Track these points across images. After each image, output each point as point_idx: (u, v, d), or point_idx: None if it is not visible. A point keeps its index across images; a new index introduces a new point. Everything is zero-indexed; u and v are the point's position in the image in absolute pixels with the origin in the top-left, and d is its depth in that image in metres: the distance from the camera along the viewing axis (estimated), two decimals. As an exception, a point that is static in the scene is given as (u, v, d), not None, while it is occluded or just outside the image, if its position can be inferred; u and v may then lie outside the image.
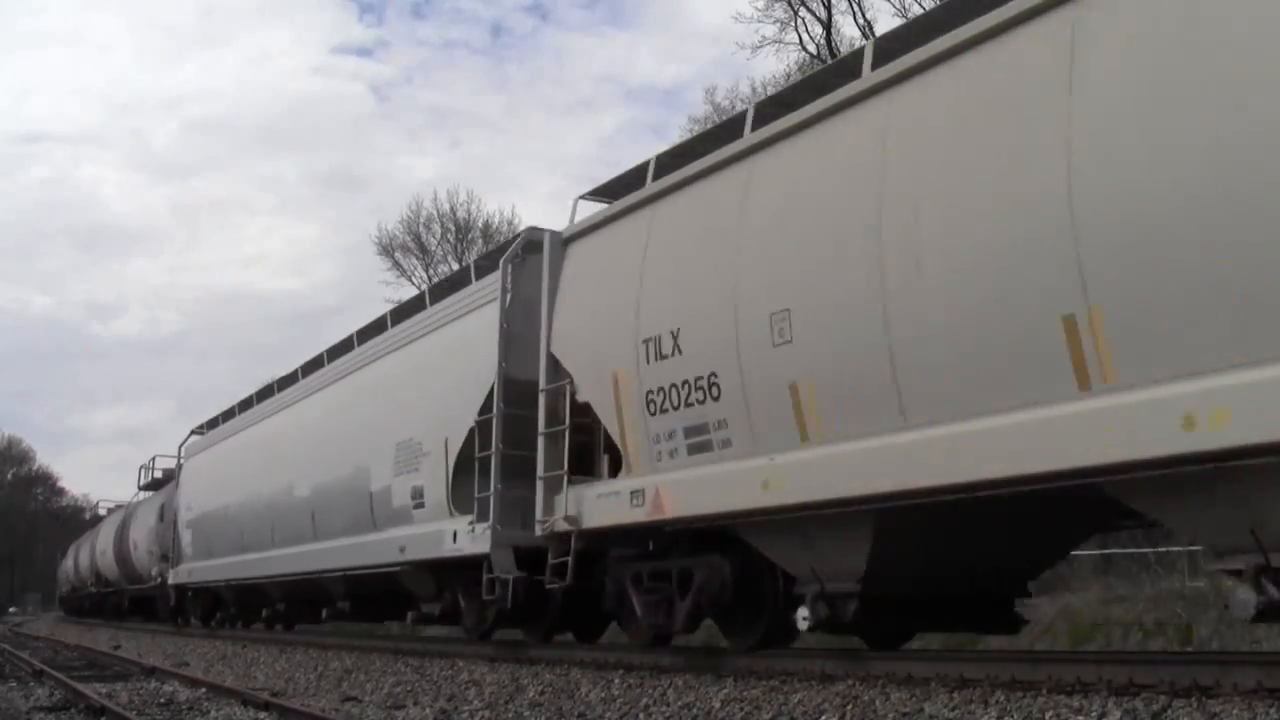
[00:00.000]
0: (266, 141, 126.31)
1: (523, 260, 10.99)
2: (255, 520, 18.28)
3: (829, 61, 27.77)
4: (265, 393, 19.75)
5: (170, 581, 23.99)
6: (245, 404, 20.98)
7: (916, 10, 24.88)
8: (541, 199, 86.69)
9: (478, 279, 12.10)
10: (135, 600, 31.35)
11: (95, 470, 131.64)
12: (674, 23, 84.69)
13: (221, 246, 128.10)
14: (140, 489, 33.21)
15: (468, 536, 11.02)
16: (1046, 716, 5.50)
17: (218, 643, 18.74)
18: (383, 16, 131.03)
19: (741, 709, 7.05)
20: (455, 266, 39.79)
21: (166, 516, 25.30)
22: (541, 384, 10.10)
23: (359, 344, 15.48)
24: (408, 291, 42.21)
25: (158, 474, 31.41)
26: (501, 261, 11.07)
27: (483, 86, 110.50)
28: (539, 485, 9.99)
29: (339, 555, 14.65)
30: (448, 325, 12.56)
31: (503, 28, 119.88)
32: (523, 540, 10.43)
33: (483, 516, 10.74)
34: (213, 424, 23.19)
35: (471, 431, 11.25)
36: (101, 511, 44.92)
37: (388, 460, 13.23)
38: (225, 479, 20.59)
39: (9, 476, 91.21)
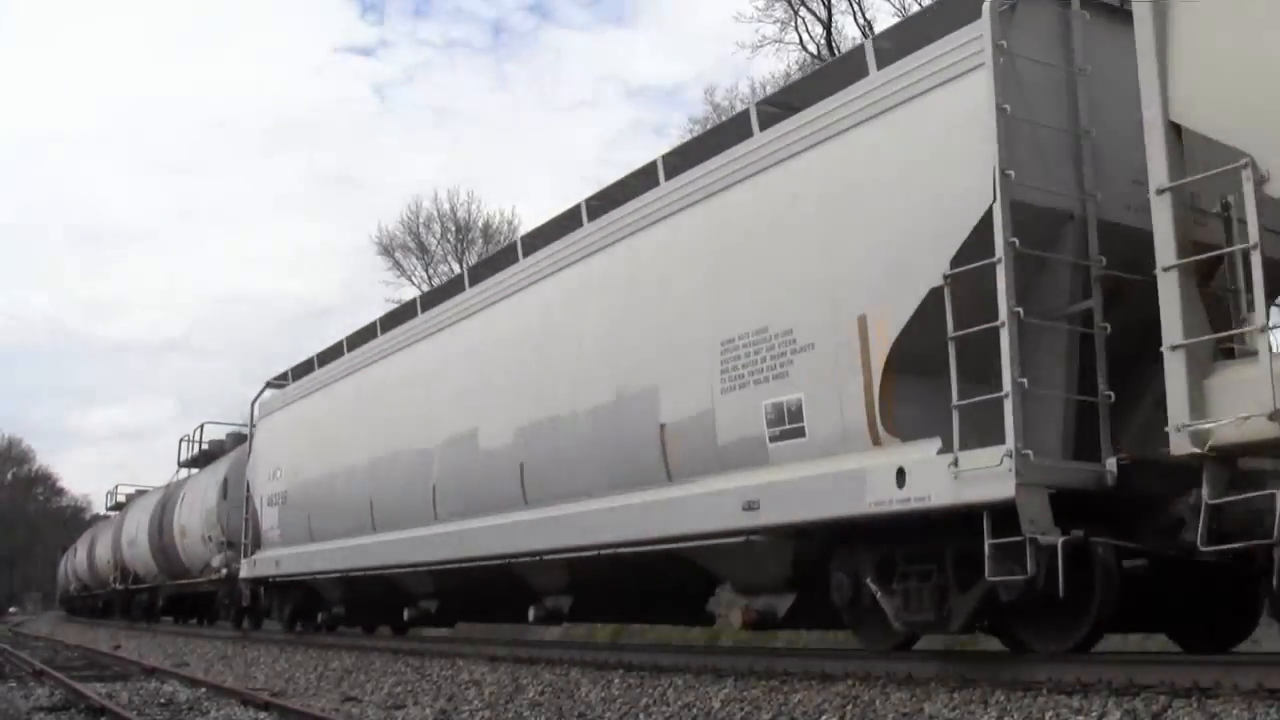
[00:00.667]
0: (267, 141, 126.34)
1: (1011, 9, 6.81)
2: (398, 487, 13.15)
3: (829, 61, 27.81)
4: (399, 316, 14.39)
5: (243, 575, 18.31)
6: (361, 336, 15.23)
7: (916, 10, 24.88)
8: (542, 199, 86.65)
9: (880, 68, 7.50)
10: (175, 600, 26.87)
11: (95, 470, 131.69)
12: (674, 22, 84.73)
13: (222, 246, 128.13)
14: (181, 465, 28.17)
15: (940, 475, 6.63)
16: (1046, 716, 5.50)
17: (218, 643, 18.73)
18: (384, 15, 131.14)
19: (741, 709, 7.06)
20: (456, 267, 39.80)
21: (232, 494, 19.94)
22: (1161, 181, 6.03)
23: (590, 220, 10.28)
24: (408, 292, 42.24)
25: (204, 446, 27.10)
26: (987, 8, 6.70)
27: (484, 86, 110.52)
28: (1173, 362, 5.88)
29: (576, 526, 9.77)
30: (836, 139, 7.71)
31: (504, 27, 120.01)
32: (1078, 477, 6.50)
33: (973, 438, 6.54)
34: (303, 370, 17.17)
35: (928, 299, 6.85)
36: (121, 498, 38.65)
37: (703, 370, 8.39)
38: (337, 437, 15.13)
39: (9, 476, 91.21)
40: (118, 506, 38.42)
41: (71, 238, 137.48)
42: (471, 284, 12.38)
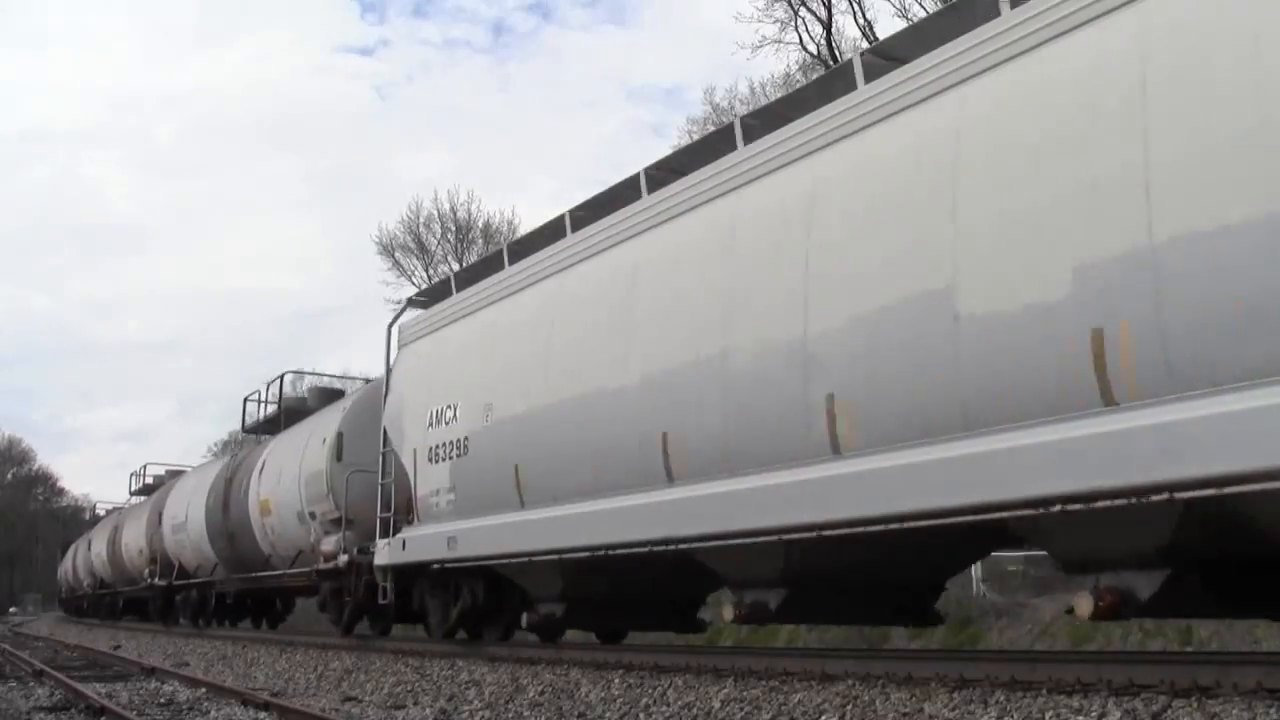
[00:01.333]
0: (268, 141, 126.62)
1: None
2: (728, 410, 7.95)
3: (830, 63, 27.84)
4: (686, 161, 9.33)
5: (382, 561, 12.95)
6: (600, 205, 10.27)
7: (917, 10, 24.93)
8: (542, 199, 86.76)
9: None
10: (245, 597, 21.56)
11: (95, 470, 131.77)
12: (675, 22, 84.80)
13: (222, 246, 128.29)
14: (248, 431, 23.58)
15: None
16: (1046, 716, 5.50)
17: (217, 642, 18.72)
18: (384, 15, 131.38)
19: (741, 709, 7.06)
20: (455, 266, 39.94)
21: (351, 454, 15.07)
22: None
23: None
24: (409, 291, 42.27)
25: (274, 404, 21.62)
26: None
27: (484, 86, 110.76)
28: None
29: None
30: None
31: (504, 26, 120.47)
32: None
33: None
34: (477, 272, 12.35)
35: None
36: (149, 479, 34.06)
37: None
38: (575, 348, 9.85)
39: (9, 476, 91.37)
40: (146, 490, 33.32)
41: (71, 238, 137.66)
42: (869, 79, 7.48)
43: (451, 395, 11.80)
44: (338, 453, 15.50)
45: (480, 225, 42.92)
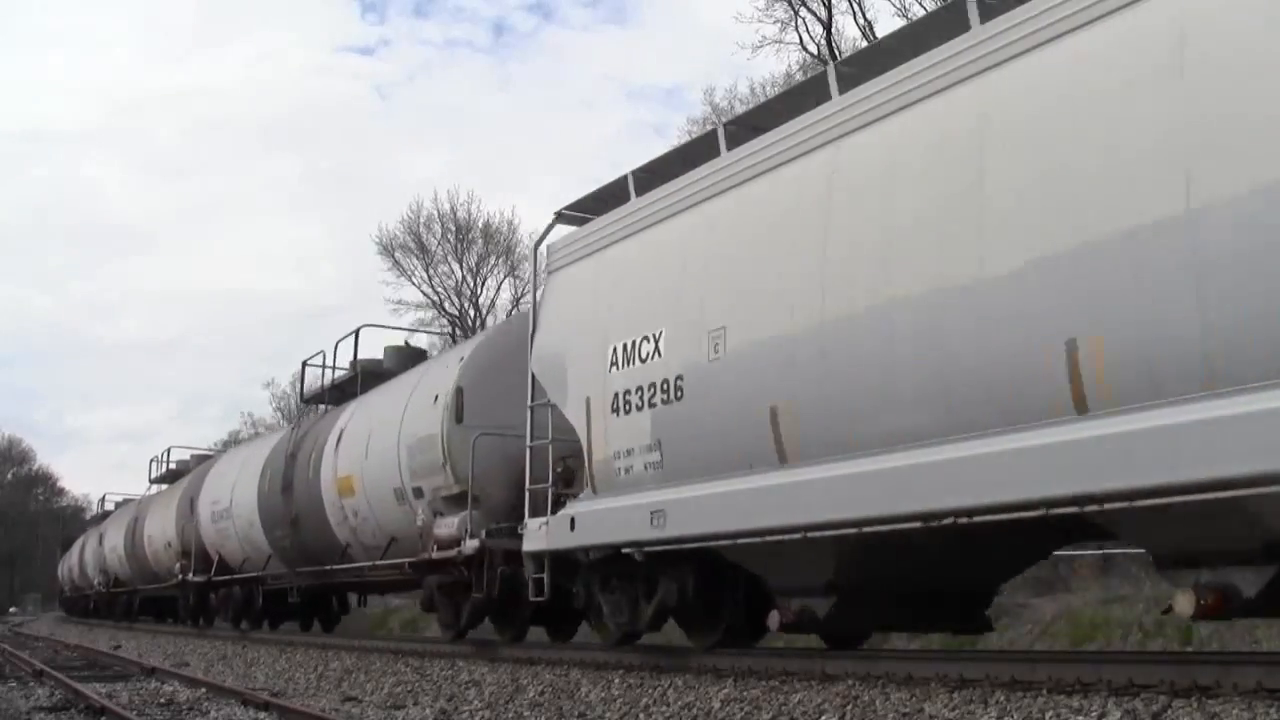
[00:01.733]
0: (268, 141, 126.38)
1: None
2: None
3: (829, 62, 27.86)
4: None
5: (536, 546, 10.05)
6: (892, 47, 7.62)
7: (917, 10, 24.93)
8: (542, 199, 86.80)
9: None
10: (313, 595, 18.60)
11: (95, 470, 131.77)
12: (675, 22, 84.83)
13: (222, 246, 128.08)
14: (307, 402, 20.18)
15: None
16: (1046, 716, 5.50)
17: (217, 642, 18.72)
18: (385, 15, 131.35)
19: (741, 709, 7.06)
20: (456, 267, 40.17)
21: (473, 415, 11.99)
22: None
23: None
24: (409, 291, 42.22)
25: (335, 370, 17.90)
26: None
27: (484, 86, 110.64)
28: None
29: None
30: None
31: (505, 26, 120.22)
32: None
33: None
34: (658, 174, 9.65)
35: None
36: (173, 464, 30.89)
37: None
38: (885, 244, 7.00)
39: (9, 476, 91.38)
40: (171, 476, 29.64)
41: (71, 238, 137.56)
42: None
43: (649, 323, 9.04)
44: (457, 413, 12.11)
45: (480, 225, 42.95)
